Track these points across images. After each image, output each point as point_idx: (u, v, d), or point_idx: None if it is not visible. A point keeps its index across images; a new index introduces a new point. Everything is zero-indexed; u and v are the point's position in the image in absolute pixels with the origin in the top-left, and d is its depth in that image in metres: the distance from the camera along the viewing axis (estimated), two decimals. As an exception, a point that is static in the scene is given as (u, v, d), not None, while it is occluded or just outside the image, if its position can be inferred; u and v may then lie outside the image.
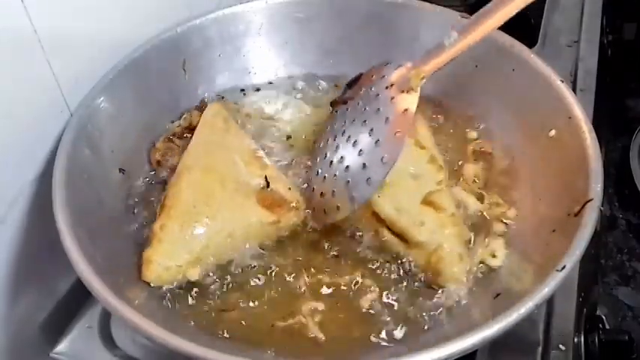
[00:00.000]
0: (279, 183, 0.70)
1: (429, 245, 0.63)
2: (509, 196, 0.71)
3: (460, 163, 0.74)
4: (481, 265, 0.64)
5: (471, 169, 0.73)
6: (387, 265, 0.65)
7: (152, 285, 0.62)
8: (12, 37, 0.60)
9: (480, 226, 0.68)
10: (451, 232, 0.64)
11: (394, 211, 0.65)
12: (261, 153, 0.74)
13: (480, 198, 0.70)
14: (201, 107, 0.81)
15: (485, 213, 0.69)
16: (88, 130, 0.67)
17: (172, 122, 0.80)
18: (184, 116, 0.80)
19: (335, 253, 0.67)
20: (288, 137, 0.79)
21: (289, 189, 0.70)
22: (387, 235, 0.66)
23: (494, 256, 0.65)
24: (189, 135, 0.77)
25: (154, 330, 0.51)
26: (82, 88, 0.69)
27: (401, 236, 0.65)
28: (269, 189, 0.69)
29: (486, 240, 0.66)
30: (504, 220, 0.68)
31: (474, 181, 0.72)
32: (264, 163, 0.72)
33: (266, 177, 0.70)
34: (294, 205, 0.68)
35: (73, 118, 0.67)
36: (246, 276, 0.65)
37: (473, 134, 0.78)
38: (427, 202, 0.66)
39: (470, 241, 0.66)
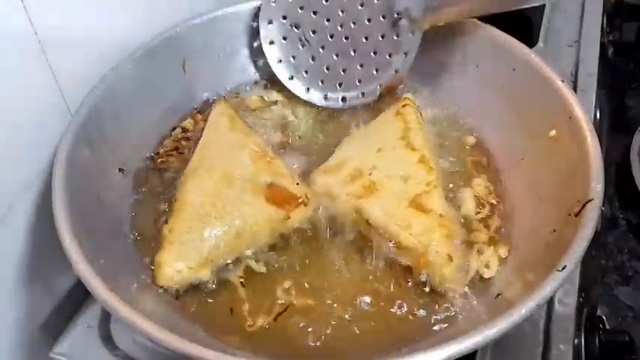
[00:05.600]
0: (286, 179, 0.70)
1: (417, 249, 0.63)
2: (508, 199, 0.71)
3: (464, 177, 0.74)
4: (481, 266, 0.64)
5: (480, 182, 0.73)
6: (385, 267, 0.65)
7: (160, 286, 0.63)
8: (12, 37, 0.60)
9: (474, 231, 0.68)
10: (439, 234, 0.63)
11: (383, 217, 0.65)
12: (268, 149, 0.74)
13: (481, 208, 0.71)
14: (204, 109, 0.81)
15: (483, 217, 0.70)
16: (88, 130, 0.67)
17: (175, 127, 0.80)
18: (188, 120, 0.81)
19: (337, 255, 0.67)
20: (292, 134, 0.80)
21: (297, 184, 0.70)
22: (379, 240, 0.66)
23: (487, 267, 0.64)
24: (194, 136, 0.77)
25: (154, 330, 0.51)
26: (82, 88, 0.69)
27: (392, 240, 0.65)
28: (277, 185, 0.69)
29: (483, 244, 0.66)
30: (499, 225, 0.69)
31: (488, 192, 0.72)
32: (272, 160, 0.72)
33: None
34: (302, 200, 0.68)
35: (73, 118, 0.67)
36: (253, 273, 0.65)
37: (476, 143, 0.77)
38: (415, 204, 0.66)
39: (463, 241, 0.66)
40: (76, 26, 0.67)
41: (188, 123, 0.80)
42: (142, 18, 0.77)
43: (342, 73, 0.81)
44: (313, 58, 0.81)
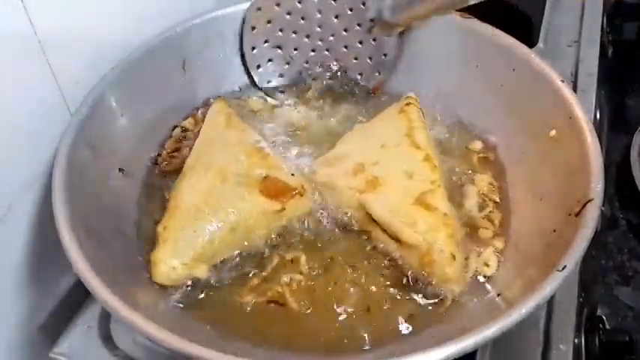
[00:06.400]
0: (281, 171, 0.70)
1: (421, 246, 0.63)
2: (508, 198, 0.71)
3: (467, 174, 0.74)
4: (480, 265, 0.64)
5: (484, 179, 0.73)
6: (386, 264, 0.65)
7: (158, 285, 0.63)
8: (12, 37, 0.60)
9: (476, 229, 0.68)
10: (444, 233, 0.63)
11: (387, 212, 0.65)
12: (263, 144, 0.74)
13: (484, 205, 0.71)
14: (204, 109, 0.81)
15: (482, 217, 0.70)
16: (88, 130, 0.67)
17: (176, 125, 0.80)
18: (188, 119, 0.81)
19: (338, 250, 0.67)
20: (291, 131, 0.80)
21: (292, 175, 0.70)
22: (380, 236, 0.66)
23: (487, 265, 0.64)
24: (194, 135, 0.77)
25: (154, 330, 0.51)
26: (82, 88, 0.69)
27: (394, 237, 0.65)
28: (272, 178, 0.68)
29: (480, 246, 0.66)
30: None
31: (492, 189, 0.72)
32: (266, 154, 0.72)
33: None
34: (298, 191, 0.68)
35: (73, 118, 0.67)
36: (249, 269, 0.65)
37: (476, 144, 0.77)
38: (420, 201, 0.66)
39: (465, 239, 0.66)
40: (76, 26, 0.67)
41: (188, 122, 0.80)
42: (142, 18, 0.77)
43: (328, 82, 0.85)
44: (300, 73, 0.85)
